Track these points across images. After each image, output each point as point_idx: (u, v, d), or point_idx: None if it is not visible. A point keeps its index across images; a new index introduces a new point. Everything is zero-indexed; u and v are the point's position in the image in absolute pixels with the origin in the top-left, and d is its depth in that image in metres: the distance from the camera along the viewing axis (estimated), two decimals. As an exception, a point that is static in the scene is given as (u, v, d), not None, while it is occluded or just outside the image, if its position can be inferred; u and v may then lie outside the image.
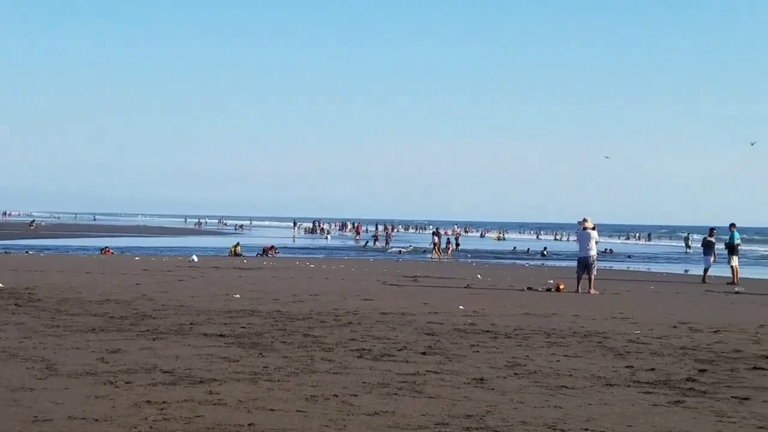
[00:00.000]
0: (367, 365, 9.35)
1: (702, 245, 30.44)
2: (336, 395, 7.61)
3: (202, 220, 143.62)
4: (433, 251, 50.25)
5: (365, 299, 17.94)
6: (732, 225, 28.67)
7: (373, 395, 7.68)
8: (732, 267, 27.75)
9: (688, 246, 71.42)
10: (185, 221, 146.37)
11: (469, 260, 45.42)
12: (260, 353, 10.02)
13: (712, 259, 28.62)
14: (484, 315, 15.27)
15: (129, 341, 10.75)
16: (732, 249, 28.19)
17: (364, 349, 10.53)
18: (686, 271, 39.29)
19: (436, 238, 51.64)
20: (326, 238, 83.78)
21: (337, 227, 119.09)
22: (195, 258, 35.22)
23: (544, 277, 27.72)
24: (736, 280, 27.01)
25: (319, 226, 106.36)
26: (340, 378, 8.52)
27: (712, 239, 28.90)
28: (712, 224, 32.05)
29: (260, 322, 13.28)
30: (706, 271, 28.56)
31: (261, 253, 44.93)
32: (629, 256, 54.76)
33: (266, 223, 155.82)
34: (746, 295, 22.52)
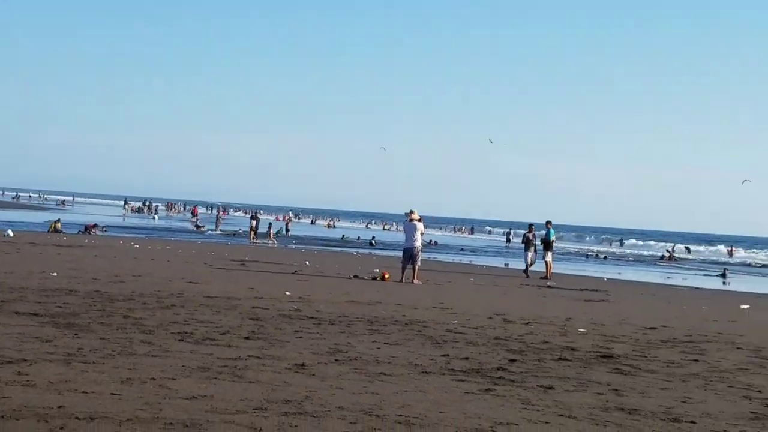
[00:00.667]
0: (188, 349, 9.27)
1: (522, 242, 31.61)
2: (153, 378, 7.51)
3: (20, 194, 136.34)
4: (250, 235, 49.81)
5: (190, 282, 17.70)
6: (548, 222, 29.87)
7: (192, 379, 7.64)
8: (546, 262, 29.09)
9: (508, 240, 74.56)
10: (2, 194, 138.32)
11: (297, 246, 45.51)
12: (75, 334, 9.73)
13: (530, 254, 29.69)
14: (310, 301, 15.40)
15: (-67, 319, 10.17)
16: (547, 245, 29.42)
17: (186, 333, 10.42)
18: (506, 264, 40.94)
19: (253, 222, 51.14)
20: (153, 217, 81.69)
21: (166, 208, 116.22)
22: (11, 233, 33.52)
23: (371, 266, 28.20)
24: (549, 275, 28.40)
25: (147, 205, 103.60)
26: (159, 361, 8.41)
27: (531, 236, 30.00)
28: (532, 220, 33.41)
29: (77, 301, 12.87)
30: (528, 266, 29.59)
31: (83, 230, 43.26)
32: (462, 249, 56.47)
33: (93, 200, 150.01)
34: (557, 289, 23.77)
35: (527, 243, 30.02)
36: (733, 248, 75.78)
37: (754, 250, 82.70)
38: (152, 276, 18.55)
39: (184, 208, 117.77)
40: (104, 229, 46.23)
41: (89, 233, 42.14)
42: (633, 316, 16.55)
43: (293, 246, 45.51)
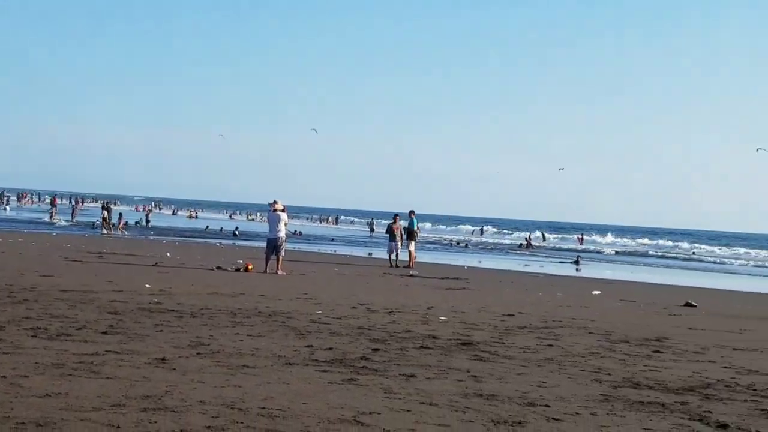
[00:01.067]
0: (42, 345, 8.95)
1: (386, 231, 31.80)
2: (4, 376, 7.22)
3: None
4: (102, 225, 48.44)
5: (44, 275, 17.04)
6: (411, 212, 30.33)
7: (46, 376, 7.38)
8: (409, 252, 29.59)
9: (372, 230, 75.42)
10: None
11: (158, 238, 44.49)
12: None
13: (395, 244, 29.80)
14: (171, 294, 15.12)
15: None
16: (410, 234, 29.88)
17: (39, 328, 10.05)
18: (370, 254, 41.32)
19: (105, 213, 49.68)
20: (5, 208, 78.06)
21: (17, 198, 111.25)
22: None
23: (234, 257, 27.90)
24: (411, 264, 28.88)
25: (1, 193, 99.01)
26: (11, 358, 8.08)
27: (395, 225, 30.16)
28: (397, 210, 33.79)
29: None
30: (391, 255, 29.84)
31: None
32: (333, 240, 56.60)
33: None
34: (420, 278, 24.20)
35: (391, 233, 30.16)
36: (583, 236, 79.07)
37: (606, 236, 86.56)
38: (3, 270, 17.75)
39: (39, 199, 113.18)
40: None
41: None
42: (492, 303, 17.06)
43: (153, 237, 44.45)
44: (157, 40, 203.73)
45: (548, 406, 7.47)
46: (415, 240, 30.27)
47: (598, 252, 62.44)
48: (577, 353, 10.75)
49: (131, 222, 58.93)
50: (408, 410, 7.01)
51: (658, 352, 11.34)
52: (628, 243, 79.69)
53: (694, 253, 66.63)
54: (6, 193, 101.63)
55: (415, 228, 30.34)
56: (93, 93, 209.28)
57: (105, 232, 46.50)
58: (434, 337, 11.44)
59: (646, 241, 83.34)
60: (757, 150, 44.99)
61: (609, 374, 9.29)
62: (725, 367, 10.24)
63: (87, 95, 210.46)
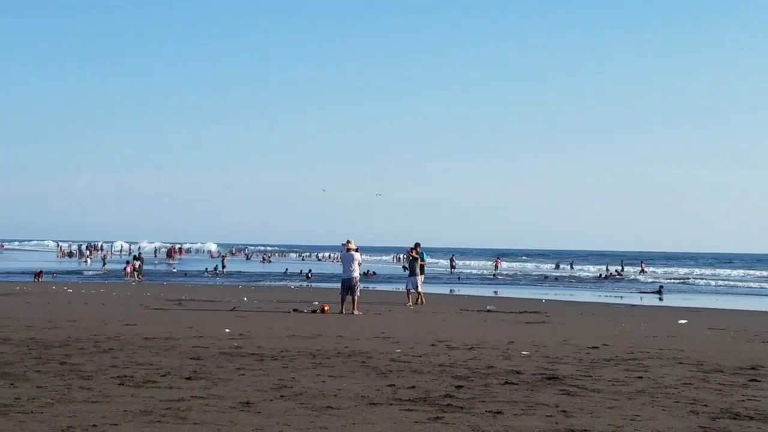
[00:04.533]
0: (128, 393, 9.02)
1: (409, 264, 28.37)
2: (95, 425, 7.27)
3: None
4: (130, 274, 48.61)
5: (127, 324, 17.31)
6: (417, 244, 27.66)
7: (135, 423, 7.42)
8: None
9: (452, 267, 75.17)
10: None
11: (234, 282, 44.99)
12: (11, 383, 9.39)
13: (419, 279, 27.28)
14: (250, 337, 15.19)
15: None
16: (420, 268, 27.40)
17: (125, 376, 10.15)
18: (451, 291, 41.02)
19: (137, 263, 49.95)
20: (86, 261, 79.99)
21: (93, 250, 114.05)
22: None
23: (309, 299, 27.99)
24: (420, 301, 26.96)
25: (88, 248, 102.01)
26: (100, 407, 8.15)
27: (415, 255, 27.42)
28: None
29: (11, 350, 12.46)
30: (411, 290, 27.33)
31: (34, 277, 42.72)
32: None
33: (14, 243, 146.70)
34: (497, 312, 23.89)
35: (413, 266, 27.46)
36: (644, 264, 77.87)
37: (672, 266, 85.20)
38: (88, 320, 18.11)
39: (112, 251, 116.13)
40: (54, 275, 46.78)
41: (37, 280, 41.54)
42: (575, 336, 16.71)
43: (229, 282, 44.97)
44: (227, 87, 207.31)
45: (644, 439, 7.20)
46: (422, 273, 27.60)
47: (683, 281, 60.84)
48: (669, 384, 10.40)
49: (210, 268, 60.34)
50: (499, 448, 6.83)
51: (754, 380, 10.90)
52: (704, 271, 78.02)
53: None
54: (92, 245, 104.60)
55: (425, 261, 28.08)
56: (142, 139, 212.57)
57: (133, 279, 46.93)
58: (518, 372, 11.21)
59: (718, 271, 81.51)
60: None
61: (705, 405, 8.94)
62: (827, 394, 9.79)
63: (138, 141, 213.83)
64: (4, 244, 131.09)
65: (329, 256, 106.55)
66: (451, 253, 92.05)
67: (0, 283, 37.50)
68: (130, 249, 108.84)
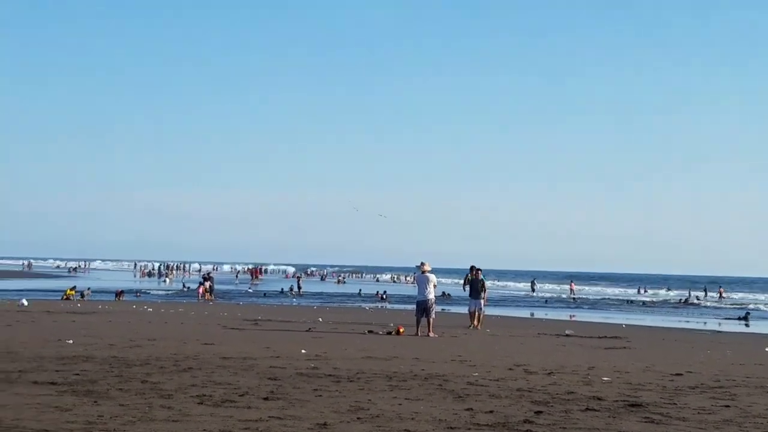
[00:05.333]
0: (207, 412, 9.09)
1: (469, 285, 27.43)
2: (175, 444, 7.34)
3: (32, 261, 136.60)
4: (201, 293, 49.11)
5: (206, 343, 17.53)
6: (472, 267, 27.18)
7: (215, 443, 7.46)
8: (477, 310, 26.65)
9: (533, 289, 74.55)
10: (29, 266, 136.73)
11: (310, 303, 45.29)
12: (95, 401, 9.56)
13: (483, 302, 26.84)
14: (327, 358, 15.21)
15: (-51, 390, 10.03)
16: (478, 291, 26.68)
17: (204, 395, 10.25)
18: (532, 314, 40.54)
19: (208, 283, 50.40)
20: (165, 280, 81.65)
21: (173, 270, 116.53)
22: (25, 302, 33.51)
23: (384, 320, 27.96)
24: (476, 324, 26.44)
25: (161, 267, 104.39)
26: (180, 426, 8.23)
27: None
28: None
29: (95, 368, 12.71)
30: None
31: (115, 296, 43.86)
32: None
33: (97, 263, 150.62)
34: (576, 337, 23.48)
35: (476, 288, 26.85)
36: (722, 290, 75.91)
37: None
38: (167, 339, 18.39)
39: (190, 269, 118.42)
40: (138, 294, 48.88)
41: (119, 299, 42.64)
42: (657, 362, 16.29)
43: (305, 303, 45.29)
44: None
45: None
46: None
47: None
48: (757, 414, 10.02)
49: (285, 288, 61.31)
50: (581, 476, 6.66)
51: None
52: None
53: None
54: (168, 265, 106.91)
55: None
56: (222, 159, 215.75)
57: (205, 299, 47.33)
58: (599, 399, 10.95)
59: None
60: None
61: (796, 436, 8.60)
62: None
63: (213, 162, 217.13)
64: (78, 265, 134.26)
65: (404, 277, 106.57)
66: (532, 277, 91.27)
67: (85, 302, 38.45)
68: (200, 269, 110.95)
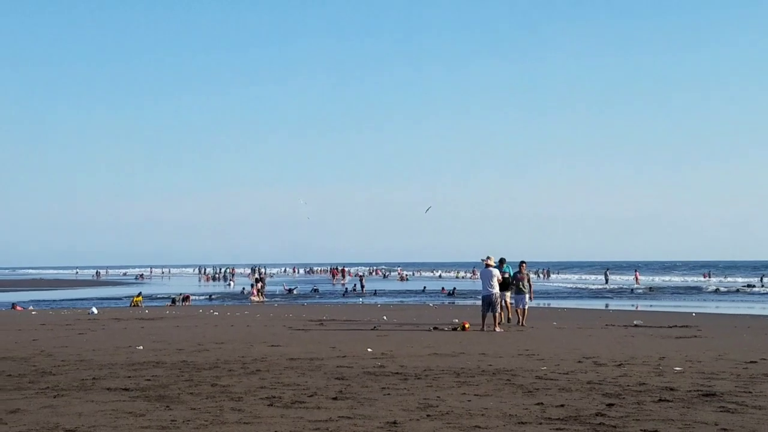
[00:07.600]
0: (278, 413, 9.16)
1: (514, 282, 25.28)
2: (248, 446, 7.40)
3: (101, 270, 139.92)
4: (254, 294, 49.81)
5: (272, 345, 17.68)
6: (502, 259, 25.43)
7: (286, 445, 7.50)
8: (505, 302, 24.85)
9: (606, 279, 73.65)
10: (76, 273, 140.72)
11: (374, 301, 45.40)
12: (167, 406, 9.71)
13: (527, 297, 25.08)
14: (393, 357, 15.21)
15: (28, 400, 10.28)
16: (506, 285, 24.67)
17: (274, 397, 10.33)
18: (607, 306, 39.98)
19: (259, 284, 51.15)
20: (230, 284, 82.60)
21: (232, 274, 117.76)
22: (95, 310, 34.28)
23: (449, 316, 27.87)
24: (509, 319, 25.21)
25: (227, 272, 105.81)
26: (251, 428, 8.31)
27: (521, 274, 25.20)
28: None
29: (165, 373, 12.91)
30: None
31: (180, 302, 44.40)
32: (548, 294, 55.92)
33: (162, 270, 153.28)
34: (644, 327, 23.11)
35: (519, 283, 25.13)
36: None
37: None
38: (234, 342, 18.59)
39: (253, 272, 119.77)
40: (211, 297, 51.07)
41: (185, 304, 43.33)
42: (730, 350, 15.95)
43: (368, 301, 45.42)
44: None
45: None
46: (509, 290, 24.99)
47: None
48: (837, 400, 9.75)
49: (349, 288, 62.06)
50: (657, 469, 6.54)
51: None
52: None
53: None
54: (227, 270, 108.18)
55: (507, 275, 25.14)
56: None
57: (256, 300, 48.05)
58: (672, 389, 10.75)
59: None
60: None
61: None
62: None
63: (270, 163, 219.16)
64: (144, 272, 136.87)
65: (466, 273, 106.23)
66: (606, 267, 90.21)
67: (151, 308, 39.13)
68: (254, 270, 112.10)
